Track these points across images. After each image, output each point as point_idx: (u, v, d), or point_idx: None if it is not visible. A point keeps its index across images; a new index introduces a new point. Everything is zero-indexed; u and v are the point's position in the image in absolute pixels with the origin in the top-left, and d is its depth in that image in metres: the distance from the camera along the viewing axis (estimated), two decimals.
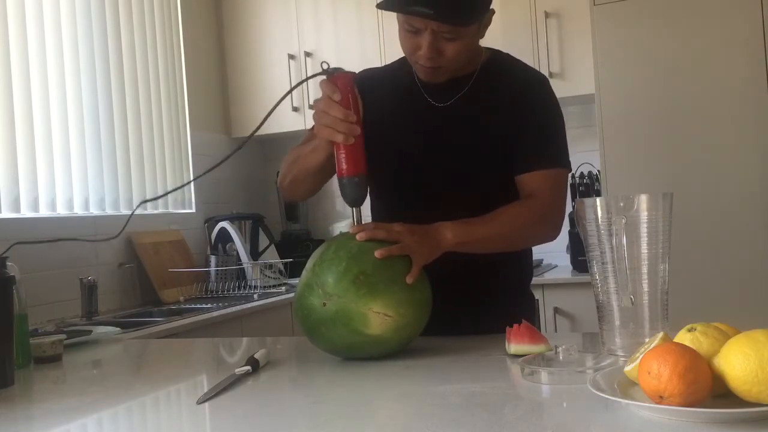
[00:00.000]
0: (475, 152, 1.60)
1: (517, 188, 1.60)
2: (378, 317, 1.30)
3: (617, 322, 1.24)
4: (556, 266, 3.55)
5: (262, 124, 1.51)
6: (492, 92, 1.61)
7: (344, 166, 1.44)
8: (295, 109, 3.76)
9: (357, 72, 1.75)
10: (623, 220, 1.20)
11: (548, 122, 1.62)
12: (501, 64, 1.66)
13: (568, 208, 3.16)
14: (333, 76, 1.43)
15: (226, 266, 3.45)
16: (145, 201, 1.83)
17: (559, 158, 1.62)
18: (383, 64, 1.85)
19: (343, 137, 1.42)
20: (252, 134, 1.53)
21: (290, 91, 1.50)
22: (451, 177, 1.61)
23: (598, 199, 1.24)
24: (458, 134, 1.60)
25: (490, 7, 1.53)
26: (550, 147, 1.61)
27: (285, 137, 3.66)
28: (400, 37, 1.55)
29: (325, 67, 1.45)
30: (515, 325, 1.33)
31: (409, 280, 1.33)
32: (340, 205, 4.06)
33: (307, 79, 1.52)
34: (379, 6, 1.49)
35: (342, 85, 1.43)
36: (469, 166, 1.60)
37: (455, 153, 1.60)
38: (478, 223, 1.50)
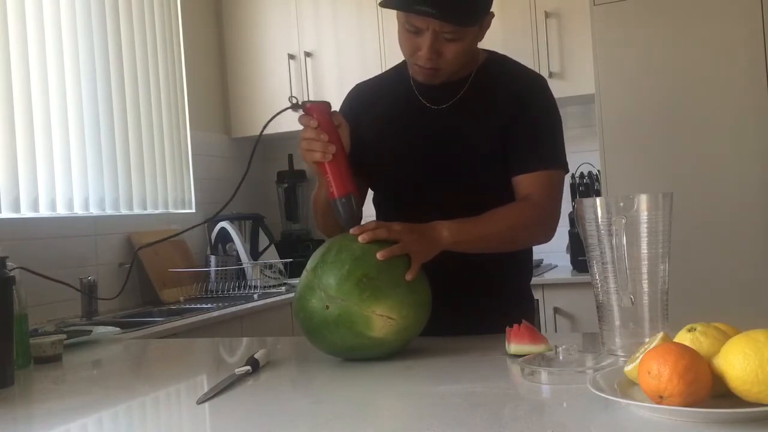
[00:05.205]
0: (473, 154, 1.60)
1: (514, 189, 1.60)
2: (381, 320, 1.30)
3: (617, 322, 1.24)
4: (556, 266, 3.55)
5: (255, 148, 1.56)
6: (489, 93, 1.61)
7: (333, 189, 1.47)
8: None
9: (354, 85, 1.77)
10: (623, 220, 1.20)
11: (545, 123, 1.62)
12: (499, 65, 1.67)
13: (569, 208, 3.19)
14: (307, 107, 1.48)
15: (226, 266, 3.45)
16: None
17: (556, 159, 1.62)
18: (382, 67, 1.86)
19: (320, 155, 1.45)
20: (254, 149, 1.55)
21: (267, 123, 1.55)
22: (449, 178, 1.61)
23: (598, 199, 1.24)
24: (455, 136, 1.61)
25: (491, 10, 1.54)
26: (547, 148, 1.61)
27: (284, 137, 3.64)
28: (399, 38, 1.55)
29: (294, 101, 1.50)
30: (515, 325, 1.33)
31: (408, 277, 1.33)
32: None
33: (277, 114, 1.55)
34: (381, 4, 1.49)
35: (317, 112, 1.47)
36: (467, 168, 1.60)
37: (452, 155, 1.60)
38: (473, 222, 1.51)
